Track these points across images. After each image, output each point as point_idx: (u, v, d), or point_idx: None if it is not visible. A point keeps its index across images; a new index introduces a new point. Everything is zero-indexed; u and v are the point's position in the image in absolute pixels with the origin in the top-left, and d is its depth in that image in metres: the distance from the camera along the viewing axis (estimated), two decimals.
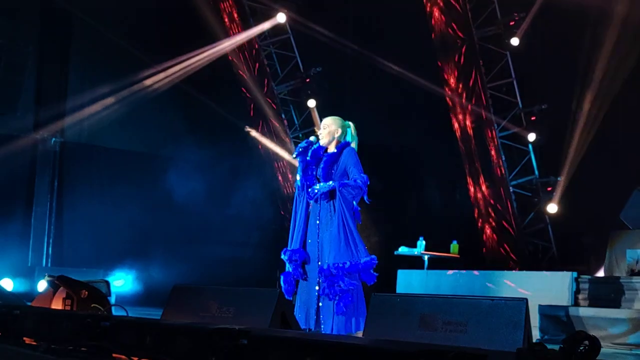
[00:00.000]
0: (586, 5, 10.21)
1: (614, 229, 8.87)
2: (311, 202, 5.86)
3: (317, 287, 5.70)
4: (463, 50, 12.29)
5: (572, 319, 7.36)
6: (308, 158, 5.98)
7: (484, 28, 12.08)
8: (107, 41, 12.93)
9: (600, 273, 9.09)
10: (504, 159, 12.24)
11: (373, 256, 5.71)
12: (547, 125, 11.75)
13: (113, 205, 13.11)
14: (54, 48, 13.24)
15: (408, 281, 9.98)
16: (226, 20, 14.08)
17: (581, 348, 2.83)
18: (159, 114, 13.49)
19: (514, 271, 10.34)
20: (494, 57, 12.14)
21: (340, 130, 5.96)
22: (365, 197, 5.78)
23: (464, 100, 12.43)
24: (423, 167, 12.85)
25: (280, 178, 14.46)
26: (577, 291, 8.40)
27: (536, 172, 12.14)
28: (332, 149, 5.93)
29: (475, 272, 9.65)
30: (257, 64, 14.17)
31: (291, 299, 5.80)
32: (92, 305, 6.13)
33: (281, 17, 13.52)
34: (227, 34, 13.87)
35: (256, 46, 14.05)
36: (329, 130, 5.97)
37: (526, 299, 3.79)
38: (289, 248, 5.87)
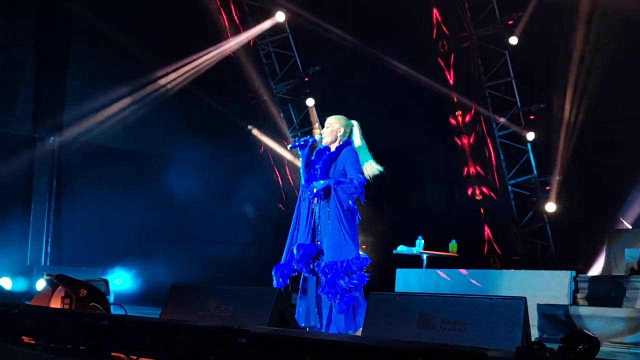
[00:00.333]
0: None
1: (613, 228, 8.87)
2: (313, 200, 5.84)
3: (317, 285, 5.71)
4: (462, 49, 12.30)
5: (571, 318, 7.36)
6: (312, 158, 5.98)
7: (483, 27, 12.09)
8: (107, 40, 12.91)
9: (599, 272, 9.10)
10: (502, 158, 12.24)
11: (365, 256, 5.71)
12: (545, 124, 11.75)
13: (112, 204, 13.09)
14: (53, 46, 13.21)
15: (407, 280, 9.99)
16: (225, 20, 14.06)
17: (580, 347, 2.83)
18: (158, 113, 13.46)
19: (512, 270, 10.34)
20: (493, 57, 12.15)
21: (342, 130, 5.95)
22: (361, 198, 5.78)
23: (463, 99, 12.44)
24: (421, 166, 12.84)
25: (280, 177, 14.45)
26: (576, 290, 8.40)
27: (535, 171, 12.14)
28: (334, 148, 5.93)
29: (473, 271, 9.65)
30: (256, 63, 14.17)
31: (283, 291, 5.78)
32: (91, 304, 6.12)
33: (280, 16, 13.51)
34: (228, 34, 13.84)
35: (255, 45, 14.05)
36: (331, 129, 5.96)
37: (525, 298, 3.79)
38: (291, 245, 5.84)
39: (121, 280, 12.50)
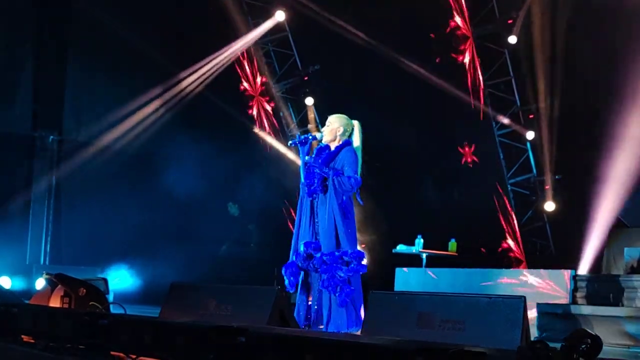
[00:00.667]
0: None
1: (612, 227, 8.87)
2: (315, 196, 5.87)
3: (318, 281, 5.72)
4: (461, 48, 12.29)
5: (571, 317, 7.37)
6: (313, 156, 5.99)
7: (483, 26, 12.08)
8: (107, 40, 12.90)
9: (598, 271, 9.09)
10: (502, 157, 12.24)
11: (360, 250, 5.77)
12: (545, 123, 11.74)
13: (111, 202, 13.07)
14: (53, 44, 13.21)
15: (406, 279, 9.99)
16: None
17: (583, 346, 2.82)
18: (158, 112, 13.46)
19: (512, 269, 10.33)
20: (493, 55, 12.14)
21: (342, 129, 5.96)
22: (358, 198, 5.81)
23: (462, 98, 12.42)
24: (421, 165, 12.83)
25: (280, 176, 14.43)
26: (575, 289, 8.40)
27: (534, 170, 12.14)
28: (334, 147, 5.94)
29: (472, 270, 9.65)
30: (256, 62, 14.16)
31: (293, 290, 5.80)
32: (91, 303, 6.12)
33: (280, 15, 13.50)
34: (228, 35, 13.82)
35: (254, 44, 14.04)
36: (331, 128, 5.98)
37: (524, 297, 3.79)
38: (297, 243, 5.87)
39: (120, 279, 12.51)
